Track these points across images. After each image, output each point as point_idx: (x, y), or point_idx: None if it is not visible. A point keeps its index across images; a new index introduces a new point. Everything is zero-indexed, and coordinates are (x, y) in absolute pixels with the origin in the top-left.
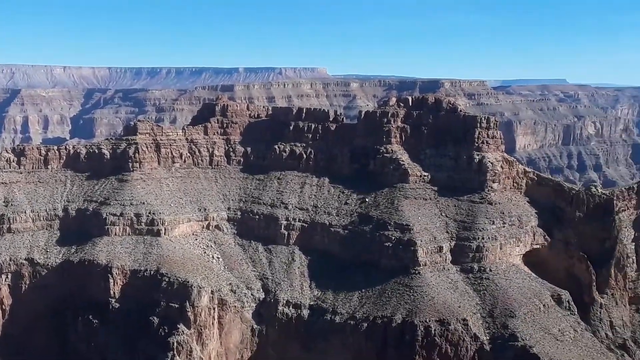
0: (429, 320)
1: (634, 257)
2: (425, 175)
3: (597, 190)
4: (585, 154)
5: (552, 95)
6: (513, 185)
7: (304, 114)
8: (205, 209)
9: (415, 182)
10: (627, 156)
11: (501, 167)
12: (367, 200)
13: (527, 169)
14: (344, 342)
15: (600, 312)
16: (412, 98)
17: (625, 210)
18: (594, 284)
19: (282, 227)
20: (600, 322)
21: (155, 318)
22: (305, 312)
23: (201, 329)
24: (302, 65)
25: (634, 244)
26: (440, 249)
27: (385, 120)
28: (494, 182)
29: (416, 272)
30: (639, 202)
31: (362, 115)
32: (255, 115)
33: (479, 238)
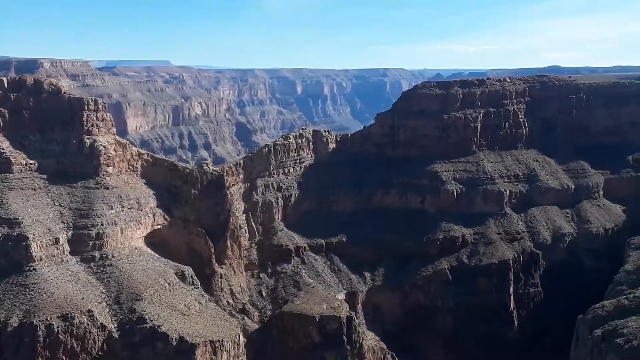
0: (51, 318)
1: (246, 228)
2: (31, 163)
3: (208, 167)
4: (195, 134)
5: (158, 77)
6: (128, 168)
7: None
8: None
9: (21, 171)
10: (232, 134)
11: (114, 150)
12: None
13: (141, 150)
14: None
15: (221, 282)
16: (7, 79)
17: (235, 184)
18: (214, 256)
19: None
20: (221, 291)
21: None
22: None
23: None
24: None
25: (244, 215)
26: (57, 240)
27: None
28: (108, 166)
29: (31, 268)
30: (245, 177)
31: None
32: None
33: (98, 225)
